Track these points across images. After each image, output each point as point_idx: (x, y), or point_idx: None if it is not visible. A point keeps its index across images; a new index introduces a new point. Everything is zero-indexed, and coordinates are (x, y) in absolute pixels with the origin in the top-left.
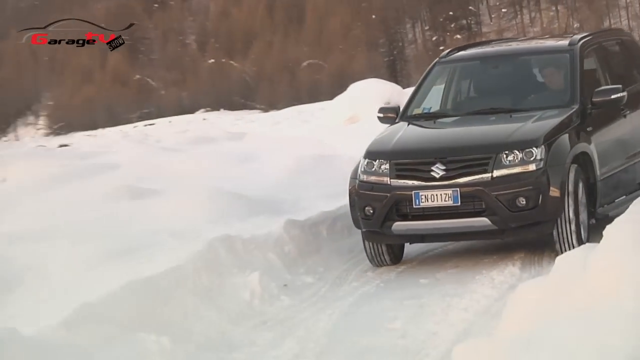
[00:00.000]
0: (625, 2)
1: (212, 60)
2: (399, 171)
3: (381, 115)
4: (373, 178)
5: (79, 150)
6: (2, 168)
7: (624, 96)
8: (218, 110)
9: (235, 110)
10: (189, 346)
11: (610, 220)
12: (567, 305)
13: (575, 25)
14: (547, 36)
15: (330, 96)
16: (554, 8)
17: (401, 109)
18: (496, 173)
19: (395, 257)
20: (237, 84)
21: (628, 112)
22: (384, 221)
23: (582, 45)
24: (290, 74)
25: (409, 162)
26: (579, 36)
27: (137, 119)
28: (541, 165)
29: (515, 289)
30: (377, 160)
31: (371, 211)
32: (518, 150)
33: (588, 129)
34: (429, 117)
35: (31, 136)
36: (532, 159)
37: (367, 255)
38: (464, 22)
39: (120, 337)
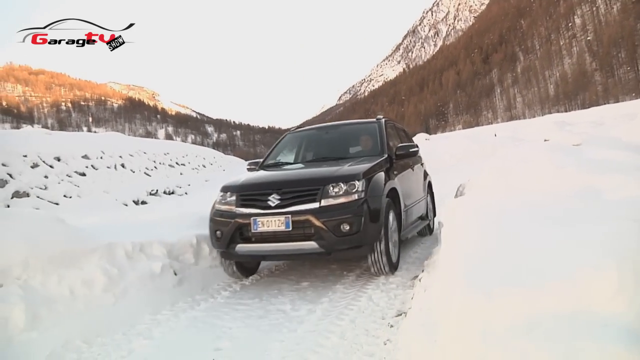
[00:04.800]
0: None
1: None
2: (243, 201)
3: (248, 166)
4: (224, 207)
5: None
6: None
7: (417, 150)
8: None
9: None
10: None
11: (408, 241)
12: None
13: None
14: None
15: None
16: None
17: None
18: (324, 202)
19: (247, 271)
20: None
21: (412, 167)
22: (229, 243)
23: (385, 121)
24: None
25: (251, 193)
26: (381, 116)
27: None
28: (362, 196)
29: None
30: (228, 193)
31: (220, 234)
32: (343, 183)
33: (394, 172)
34: (279, 165)
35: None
36: (354, 190)
37: (223, 269)
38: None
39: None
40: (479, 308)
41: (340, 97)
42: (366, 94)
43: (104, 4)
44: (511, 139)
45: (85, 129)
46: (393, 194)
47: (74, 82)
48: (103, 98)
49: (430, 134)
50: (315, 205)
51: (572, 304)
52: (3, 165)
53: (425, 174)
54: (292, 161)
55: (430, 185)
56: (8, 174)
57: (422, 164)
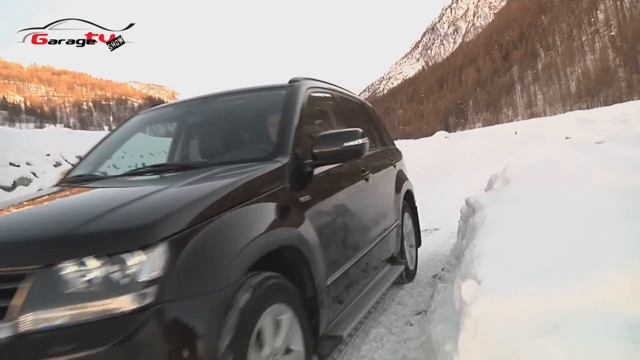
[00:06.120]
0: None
1: None
2: None
3: (61, 177)
4: None
5: None
6: None
7: (364, 145)
8: None
9: None
10: None
11: (346, 342)
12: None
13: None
14: None
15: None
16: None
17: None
18: (30, 321)
19: None
20: None
21: (370, 174)
22: None
23: (308, 88)
24: None
25: None
26: (300, 77)
27: None
28: (152, 299)
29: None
30: None
31: None
32: (97, 258)
33: (302, 200)
34: (86, 180)
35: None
36: (127, 280)
37: None
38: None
39: None
40: (500, 307)
41: (360, 95)
42: (385, 92)
43: (104, 4)
44: (532, 136)
45: (106, 128)
46: (293, 255)
47: (95, 82)
48: (123, 97)
49: (449, 132)
50: (5, 328)
51: (596, 305)
52: (27, 164)
53: (400, 181)
54: (125, 168)
55: (409, 195)
56: (32, 172)
57: (394, 165)
